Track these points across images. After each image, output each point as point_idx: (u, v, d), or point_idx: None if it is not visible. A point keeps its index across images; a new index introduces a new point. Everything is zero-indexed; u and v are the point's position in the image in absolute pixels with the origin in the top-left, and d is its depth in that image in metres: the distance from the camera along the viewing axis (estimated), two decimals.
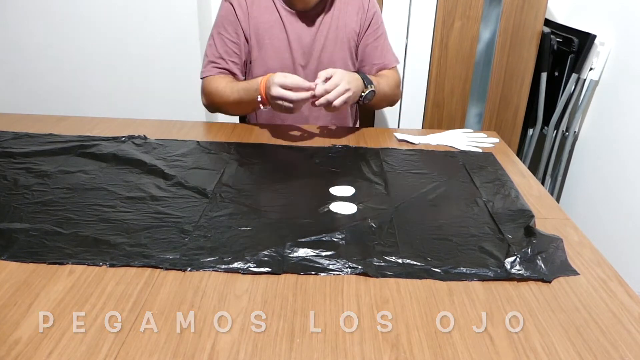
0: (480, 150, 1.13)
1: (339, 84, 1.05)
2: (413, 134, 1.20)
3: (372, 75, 1.24)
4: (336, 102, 1.04)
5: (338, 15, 1.26)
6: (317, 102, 1.05)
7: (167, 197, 0.87)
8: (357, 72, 1.17)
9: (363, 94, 1.14)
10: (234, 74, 1.26)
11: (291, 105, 1.05)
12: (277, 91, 1.04)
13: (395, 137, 1.18)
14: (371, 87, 1.16)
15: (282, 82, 1.04)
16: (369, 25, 1.29)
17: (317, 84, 1.05)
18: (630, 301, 0.66)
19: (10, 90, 2.11)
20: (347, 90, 1.05)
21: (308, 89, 1.04)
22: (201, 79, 1.26)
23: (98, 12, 1.95)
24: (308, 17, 1.25)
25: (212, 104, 1.24)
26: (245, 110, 1.26)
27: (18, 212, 0.81)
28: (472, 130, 1.24)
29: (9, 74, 2.08)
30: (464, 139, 1.19)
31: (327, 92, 1.04)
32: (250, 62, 1.27)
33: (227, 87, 1.20)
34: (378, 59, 1.30)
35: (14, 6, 1.95)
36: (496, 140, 1.19)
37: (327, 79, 1.06)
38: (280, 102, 1.05)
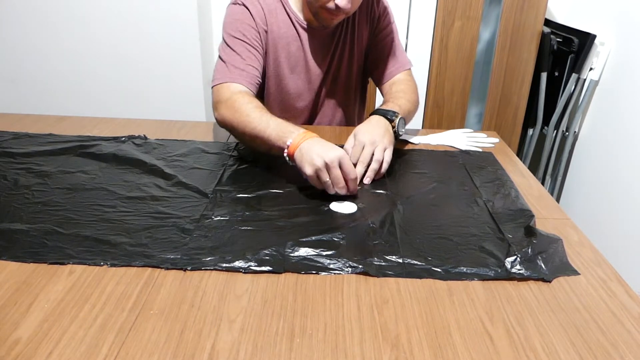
0: (480, 150, 1.13)
1: (373, 151, 0.95)
2: (413, 134, 1.21)
3: (390, 101, 1.12)
4: (383, 169, 0.96)
5: (355, 28, 1.20)
6: (367, 181, 0.95)
7: (167, 197, 0.87)
8: (375, 111, 1.06)
9: (395, 129, 1.03)
10: (253, 85, 1.08)
11: (330, 183, 0.87)
12: (335, 167, 0.85)
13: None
14: (396, 116, 1.04)
15: (342, 161, 0.85)
16: (377, 25, 1.22)
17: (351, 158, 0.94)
18: (630, 301, 0.66)
19: (10, 90, 2.11)
20: (385, 149, 0.96)
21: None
22: (214, 86, 1.07)
23: (98, 13, 1.95)
24: (326, 33, 1.18)
25: (225, 120, 1.02)
26: (257, 147, 1.01)
27: (18, 212, 0.81)
28: (472, 130, 1.24)
29: (9, 74, 2.08)
30: (464, 139, 1.19)
31: (372, 169, 0.95)
32: (266, 76, 1.17)
33: (250, 113, 0.97)
34: (391, 64, 1.21)
35: (14, 6, 1.95)
36: (496, 140, 1.19)
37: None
38: (326, 175, 0.86)
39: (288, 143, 0.90)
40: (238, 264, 0.69)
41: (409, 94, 1.16)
